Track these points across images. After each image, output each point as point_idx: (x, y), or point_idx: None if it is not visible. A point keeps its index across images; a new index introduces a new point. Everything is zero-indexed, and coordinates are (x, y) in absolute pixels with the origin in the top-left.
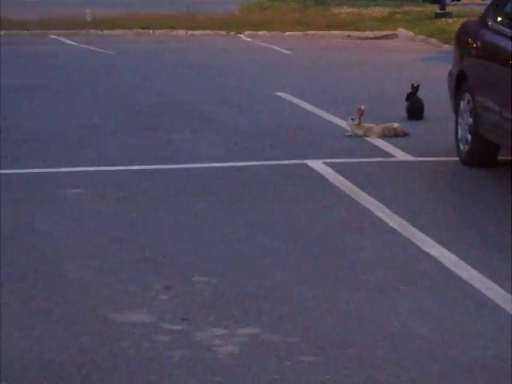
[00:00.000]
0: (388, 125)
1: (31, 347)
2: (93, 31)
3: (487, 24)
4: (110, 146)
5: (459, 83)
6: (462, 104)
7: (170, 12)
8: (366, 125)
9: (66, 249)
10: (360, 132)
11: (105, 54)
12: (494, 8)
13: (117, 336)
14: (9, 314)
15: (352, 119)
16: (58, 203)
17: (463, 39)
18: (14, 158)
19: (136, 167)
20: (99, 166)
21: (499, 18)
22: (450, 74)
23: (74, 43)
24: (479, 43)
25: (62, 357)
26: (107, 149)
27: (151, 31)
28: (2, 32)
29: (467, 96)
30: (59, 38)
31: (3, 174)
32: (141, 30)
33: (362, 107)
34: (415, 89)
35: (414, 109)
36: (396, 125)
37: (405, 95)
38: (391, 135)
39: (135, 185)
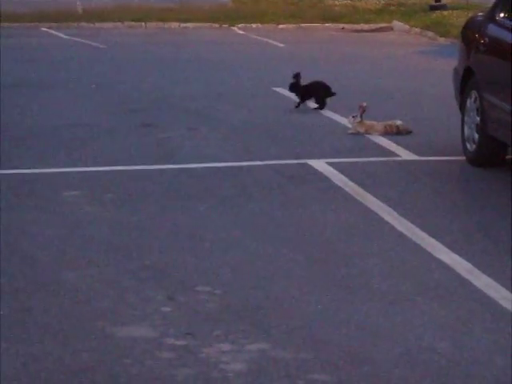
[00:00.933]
0: (390, 122)
1: (27, 365)
2: (84, 24)
3: (495, 18)
4: (106, 145)
5: (465, 80)
6: (469, 102)
7: (162, 4)
8: (368, 122)
9: (63, 256)
10: (362, 130)
11: (96, 48)
12: (504, 1)
13: (118, 352)
14: (3, 328)
15: (353, 117)
16: (53, 207)
17: (470, 34)
18: (5, 158)
19: (134, 167)
20: (96, 166)
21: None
22: (456, 70)
23: (65, 36)
24: (487, 39)
25: (59, 376)
26: (103, 148)
27: (143, 24)
28: None
29: (474, 93)
30: (50, 31)
31: None
32: (132, 23)
33: (364, 104)
34: (296, 77)
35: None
36: (399, 122)
37: (404, 90)
38: (393, 133)
39: (133, 186)
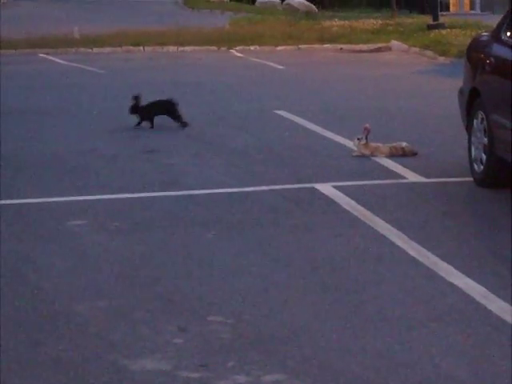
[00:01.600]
0: (396, 144)
1: None
2: (82, 49)
3: (501, 38)
4: (110, 172)
5: (472, 101)
6: (476, 122)
7: (160, 28)
8: (373, 144)
9: (71, 288)
10: (367, 152)
11: (95, 73)
12: (509, 21)
13: None
14: (12, 362)
15: (358, 139)
16: (59, 237)
17: (475, 55)
18: (9, 187)
19: (138, 195)
20: (100, 194)
21: None
22: (461, 91)
23: (63, 62)
24: (492, 59)
25: None
26: (108, 175)
27: (141, 48)
28: None
29: (481, 114)
30: (48, 57)
31: None
32: (131, 47)
33: (368, 126)
34: (136, 98)
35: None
36: (404, 144)
37: (406, 111)
38: (399, 155)
39: (139, 214)
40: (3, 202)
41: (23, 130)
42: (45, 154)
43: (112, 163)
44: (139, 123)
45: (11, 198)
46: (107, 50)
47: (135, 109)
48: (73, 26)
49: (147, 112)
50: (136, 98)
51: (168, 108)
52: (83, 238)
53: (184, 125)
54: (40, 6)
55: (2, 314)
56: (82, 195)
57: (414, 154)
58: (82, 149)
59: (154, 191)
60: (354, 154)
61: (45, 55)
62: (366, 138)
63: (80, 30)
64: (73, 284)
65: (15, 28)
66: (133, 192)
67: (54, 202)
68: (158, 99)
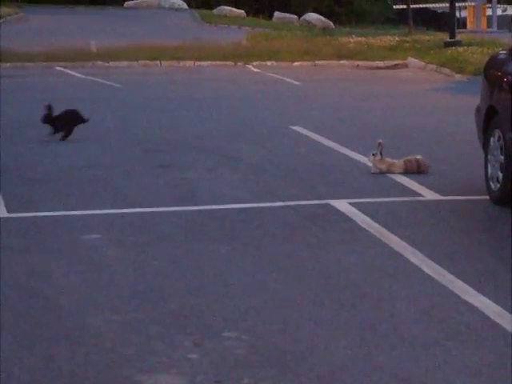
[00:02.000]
0: (410, 157)
1: None
2: (98, 63)
3: None
4: (125, 187)
5: (488, 119)
6: (492, 141)
7: (177, 42)
8: (389, 160)
9: (86, 302)
10: (383, 167)
11: (112, 87)
12: None
13: None
14: (26, 376)
15: (373, 154)
16: (74, 250)
17: (492, 73)
18: (25, 200)
19: (153, 209)
20: (115, 208)
21: None
22: (478, 109)
23: (80, 75)
24: (510, 77)
25: None
26: (122, 189)
27: (158, 62)
28: (7, 64)
29: (498, 132)
30: (65, 70)
31: (14, 217)
32: (147, 62)
33: (381, 141)
34: (48, 108)
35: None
36: (418, 156)
37: (423, 128)
38: (414, 169)
39: (154, 228)
40: (17, 214)
41: (38, 143)
42: (59, 168)
43: (127, 177)
44: (54, 133)
45: (26, 211)
46: (124, 63)
47: (47, 118)
48: (90, 40)
49: (60, 121)
50: (48, 107)
51: (76, 119)
52: (98, 252)
53: (63, 138)
54: (57, 20)
55: (17, 327)
56: (97, 209)
57: (427, 167)
58: (96, 163)
59: (168, 206)
60: (372, 171)
61: (62, 68)
62: (381, 154)
63: (97, 43)
64: (87, 298)
65: (32, 41)
66: (148, 206)
67: (69, 215)
68: (67, 109)
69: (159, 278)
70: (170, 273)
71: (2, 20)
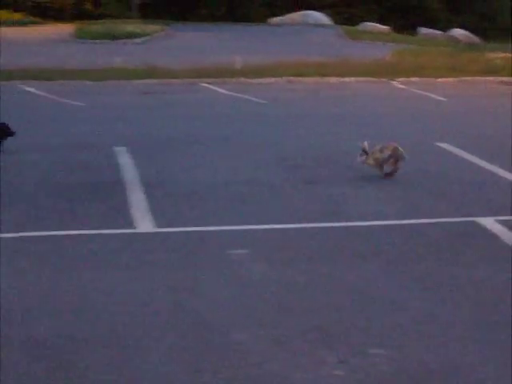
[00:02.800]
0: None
1: None
2: (243, 79)
3: None
4: (271, 202)
5: None
6: None
7: (321, 58)
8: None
9: (233, 317)
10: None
11: (257, 103)
12: None
13: None
14: None
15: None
16: (220, 265)
17: None
18: (173, 215)
19: (299, 225)
20: (261, 224)
21: None
22: None
23: (224, 91)
24: None
25: None
26: (268, 205)
27: (302, 79)
28: (154, 80)
29: None
30: (210, 87)
31: (161, 232)
32: (291, 78)
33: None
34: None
35: None
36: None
37: None
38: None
39: (300, 245)
40: (166, 229)
41: (188, 158)
42: (206, 183)
43: (273, 193)
44: None
45: (174, 226)
46: (268, 80)
47: None
48: (234, 57)
49: None
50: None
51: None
52: (244, 268)
53: None
54: (202, 37)
55: (166, 341)
56: (243, 224)
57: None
58: (242, 178)
59: (314, 222)
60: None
61: (207, 85)
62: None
63: (241, 60)
64: (233, 313)
65: (178, 58)
66: (293, 222)
67: (216, 230)
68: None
69: (304, 293)
70: (315, 289)
71: (148, 37)
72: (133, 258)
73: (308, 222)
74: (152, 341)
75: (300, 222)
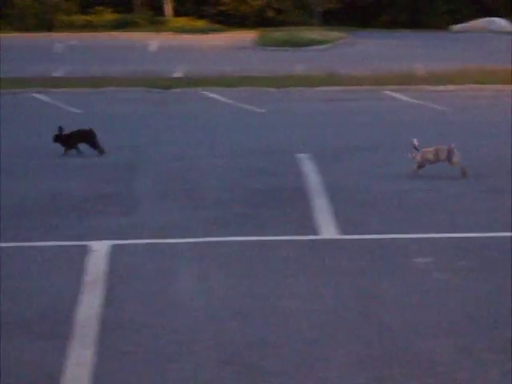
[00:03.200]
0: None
1: None
2: (426, 87)
3: None
4: (456, 211)
5: None
6: None
7: (504, 66)
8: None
9: (417, 324)
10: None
11: (441, 111)
12: None
13: None
14: None
15: None
16: (404, 273)
17: None
18: (357, 222)
19: (485, 234)
20: (446, 232)
21: None
22: None
23: (407, 99)
24: None
25: None
26: (453, 213)
27: (485, 86)
28: (339, 88)
29: None
30: (393, 94)
31: (345, 239)
32: (474, 85)
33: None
34: (60, 129)
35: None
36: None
37: None
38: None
39: (485, 253)
40: (350, 236)
41: (371, 166)
42: (392, 190)
43: (456, 201)
44: (65, 151)
45: (357, 233)
46: (451, 87)
47: (58, 138)
48: (416, 64)
49: (70, 140)
50: (59, 129)
51: (85, 137)
52: (429, 276)
53: (101, 152)
54: (382, 44)
55: (351, 348)
56: (428, 233)
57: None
58: (426, 187)
59: (498, 231)
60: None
61: (389, 92)
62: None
63: (423, 67)
64: (417, 320)
65: (360, 64)
66: (479, 231)
67: (400, 238)
68: (77, 129)
69: (488, 302)
70: (499, 298)
71: (330, 44)
72: (318, 265)
73: (488, 231)
74: (337, 348)
75: (486, 231)
